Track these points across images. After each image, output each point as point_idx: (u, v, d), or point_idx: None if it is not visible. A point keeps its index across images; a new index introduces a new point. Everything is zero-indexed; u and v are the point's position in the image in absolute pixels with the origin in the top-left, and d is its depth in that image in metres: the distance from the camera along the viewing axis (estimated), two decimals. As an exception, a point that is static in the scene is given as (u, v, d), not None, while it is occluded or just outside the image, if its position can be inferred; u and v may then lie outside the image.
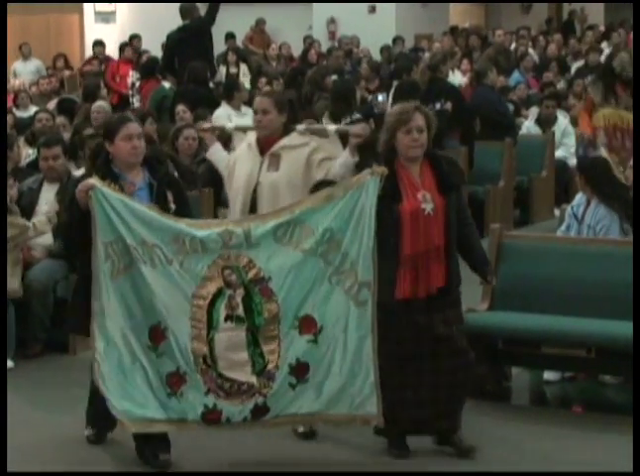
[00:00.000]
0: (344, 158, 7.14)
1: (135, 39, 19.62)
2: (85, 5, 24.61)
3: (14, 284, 8.50)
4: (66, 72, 17.54)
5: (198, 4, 15.45)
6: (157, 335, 6.13)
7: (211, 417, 6.13)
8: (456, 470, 6.36)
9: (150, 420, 6.13)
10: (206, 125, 8.19)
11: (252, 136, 7.41)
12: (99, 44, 20.41)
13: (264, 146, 7.27)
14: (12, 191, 8.77)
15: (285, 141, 7.25)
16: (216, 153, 7.71)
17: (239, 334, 6.16)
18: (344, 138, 7.34)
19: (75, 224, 6.17)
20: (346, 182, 6.36)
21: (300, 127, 7.44)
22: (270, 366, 6.16)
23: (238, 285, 6.14)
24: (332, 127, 7.74)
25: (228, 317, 6.16)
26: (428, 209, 6.31)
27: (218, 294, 6.14)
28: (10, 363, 8.38)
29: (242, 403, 6.12)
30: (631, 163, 9.78)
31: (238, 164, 7.42)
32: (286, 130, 7.33)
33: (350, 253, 6.15)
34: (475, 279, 6.76)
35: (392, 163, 6.41)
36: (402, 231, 6.31)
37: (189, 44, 14.70)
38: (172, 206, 6.48)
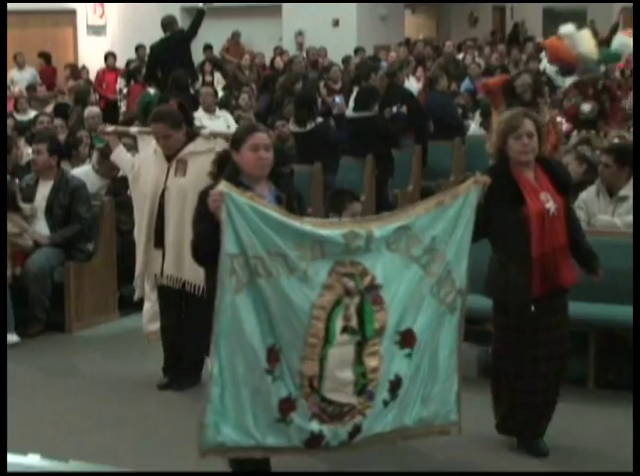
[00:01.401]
0: None
1: (140, 48, 19.55)
2: (78, 19, 24.51)
3: (7, 274, 8.53)
4: (71, 82, 17.48)
5: (177, 16, 15.46)
6: (272, 357, 5.19)
7: (314, 443, 5.31)
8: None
9: (250, 448, 5.24)
10: (109, 128, 7.91)
11: (155, 141, 7.19)
12: (112, 55, 20.37)
13: (169, 152, 7.10)
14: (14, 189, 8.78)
15: (191, 147, 7.05)
16: (120, 154, 7.51)
17: (349, 350, 5.26)
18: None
19: (209, 236, 5.16)
20: (453, 190, 5.64)
21: (205, 132, 7.33)
22: (371, 385, 5.32)
23: (355, 292, 5.25)
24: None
25: (344, 329, 5.26)
26: (552, 209, 5.87)
27: (337, 303, 5.22)
28: (15, 337, 8.45)
29: (343, 425, 5.31)
30: None
31: (143, 168, 7.20)
32: (189, 135, 7.14)
33: (451, 261, 5.50)
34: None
35: (507, 168, 5.95)
36: (529, 233, 5.81)
37: (171, 54, 14.66)
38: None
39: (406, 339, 5.38)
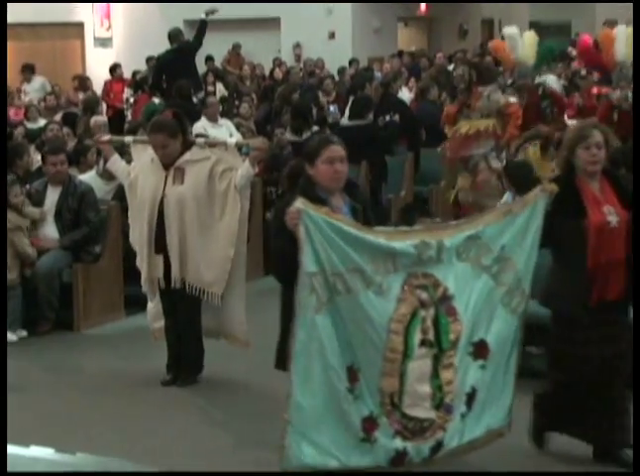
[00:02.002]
0: (245, 169, 6.96)
1: (150, 60, 19.56)
2: (86, 31, 24.52)
3: (13, 275, 8.55)
4: (81, 95, 17.47)
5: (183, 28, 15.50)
6: (352, 376, 4.94)
7: (398, 462, 5.07)
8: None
9: (333, 469, 4.99)
10: (105, 137, 7.77)
11: (152, 150, 7.10)
12: (118, 66, 20.39)
13: (166, 160, 7.02)
14: (18, 199, 8.71)
15: (188, 156, 6.98)
16: (115, 163, 7.39)
17: (427, 363, 5.04)
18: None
19: (288, 253, 4.89)
20: (524, 199, 5.42)
21: (200, 141, 7.26)
22: (448, 398, 5.10)
23: (430, 303, 5.03)
24: (232, 140, 7.47)
25: (422, 343, 5.03)
26: (614, 222, 5.56)
27: (413, 315, 4.99)
28: (23, 332, 8.56)
29: (425, 441, 5.09)
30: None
31: (141, 176, 7.11)
32: (185, 144, 7.07)
33: (520, 270, 5.28)
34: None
35: (572, 179, 5.68)
36: (587, 245, 5.53)
37: (176, 64, 14.67)
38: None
39: (480, 350, 5.20)
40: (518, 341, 5.38)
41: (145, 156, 7.16)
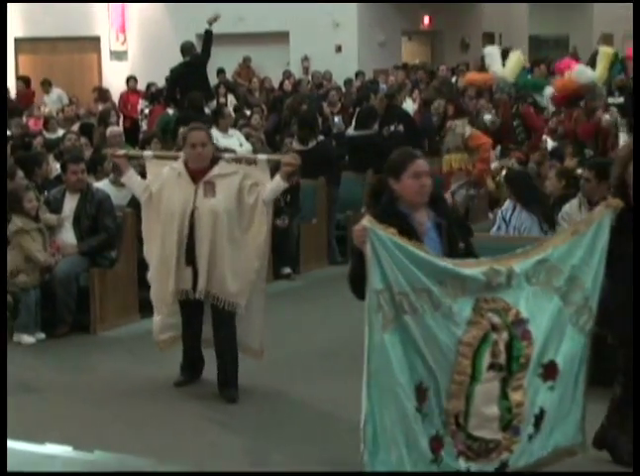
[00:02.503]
0: (276, 183, 6.88)
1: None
2: (102, 45, 24.58)
3: (26, 277, 8.55)
4: (100, 106, 17.51)
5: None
6: (421, 395, 4.73)
7: None
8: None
9: None
10: (120, 151, 7.56)
11: (178, 165, 6.94)
12: (133, 79, 20.46)
13: (195, 174, 6.85)
14: (32, 204, 8.71)
15: (217, 170, 6.85)
16: (131, 178, 7.17)
17: (494, 385, 4.82)
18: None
19: (360, 271, 4.71)
20: (588, 217, 5.26)
21: (228, 156, 7.13)
22: (516, 420, 4.88)
23: (502, 327, 4.80)
24: (263, 156, 7.23)
25: (491, 366, 4.81)
26: None
27: (484, 339, 4.77)
28: (42, 335, 8.57)
29: (490, 462, 4.88)
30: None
31: (166, 190, 6.90)
32: (213, 158, 6.97)
33: (588, 289, 5.06)
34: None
35: (627, 196, 5.41)
36: None
37: (189, 76, 14.72)
38: (462, 245, 5.10)
39: (549, 372, 4.98)
40: (586, 359, 5.14)
41: (165, 170, 7.00)
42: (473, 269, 4.79)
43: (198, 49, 15.41)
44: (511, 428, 4.87)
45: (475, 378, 4.76)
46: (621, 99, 12.86)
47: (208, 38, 14.96)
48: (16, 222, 8.54)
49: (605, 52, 12.69)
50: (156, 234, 7.00)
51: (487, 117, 11.75)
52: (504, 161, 11.03)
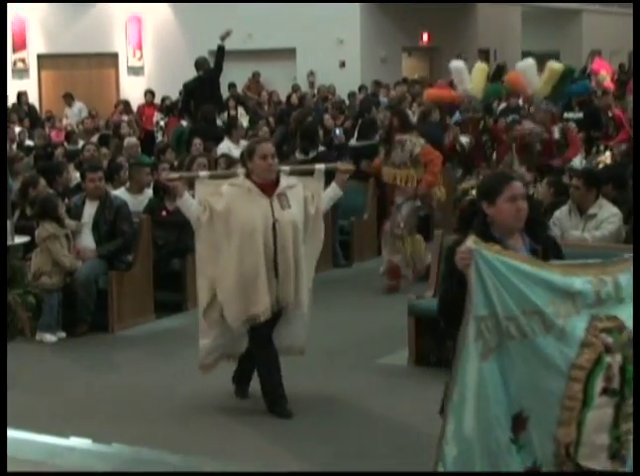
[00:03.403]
0: (333, 192, 6.67)
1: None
2: (120, 61, 24.62)
3: (58, 277, 8.56)
4: (125, 117, 17.54)
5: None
6: (519, 426, 4.19)
7: None
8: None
9: None
10: (174, 174, 7.07)
11: (241, 181, 6.48)
12: (150, 92, 20.53)
13: (265, 188, 6.40)
14: (62, 210, 8.79)
15: (284, 182, 6.47)
16: (187, 200, 6.56)
17: (607, 412, 4.21)
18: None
19: (457, 297, 4.20)
20: None
21: (285, 168, 6.69)
22: (624, 448, 4.28)
23: (616, 349, 4.20)
24: (321, 166, 6.80)
25: (604, 391, 4.19)
26: None
27: (597, 362, 4.16)
28: (62, 334, 8.55)
29: None
30: None
31: (237, 207, 6.37)
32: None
33: None
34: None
35: None
36: None
37: (202, 90, 14.76)
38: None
39: None
40: None
41: (225, 188, 6.48)
42: (580, 276, 4.21)
43: (211, 64, 15.47)
44: (619, 458, 4.28)
45: (586, 404, 4.18)
46: (580, 114, 12.41)
47: (220, 53, 15.00)
48: (47, 228, 8.55)
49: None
50: (227, 254, 6.43)
51: (464, 139, 11.26)
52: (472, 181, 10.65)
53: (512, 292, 4.10)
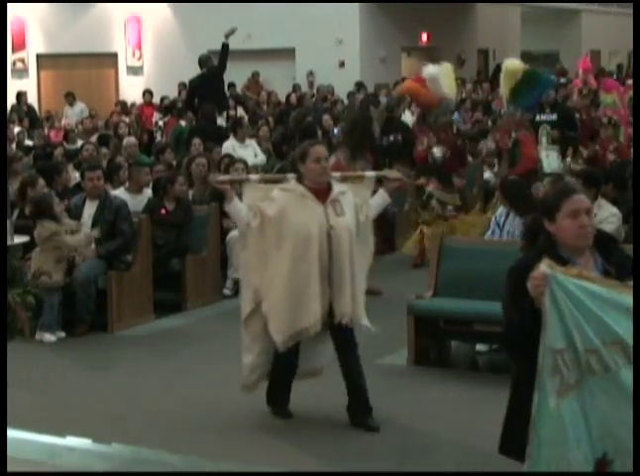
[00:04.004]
0: (382, 199, 6.40)
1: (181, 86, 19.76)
2: (119, 61, 24.63)
3: (58, 276, 8.54)
4: (126, 119, 17.54)
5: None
6: (601, 469, 3.79)
7: None
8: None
9: None
10: (223, 177, 6.57)
11: (293, 185, 6.10)
12: (148, 92, 20.57)
13: (318, 194, 6.05)
14: (59, 208, 8.78)
15: (336, 188, 6.12)
16: (237, 205, 6.13)
17: None
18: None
19: (527, 324, 3.82)
20: None
21: (335, 175, 6.33)
22: None
23: None
24: (371, 173, 6.59)
25: None
26: None
27: None
28: (62, 333, 8.53)
29: None
30: None
31: (290, 213, 5.99)
32: None
33: None
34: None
35: None
36: None
37: (206, 87, 14.80)
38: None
39: None
40: None
41: (276, 193, 6.11)
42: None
43: (215, 61, 15.50)
44: None
45: None
46: (554, 116, 12.09)
47: (225, 51, 15.04)
48: (48, 227, 8.54)
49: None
50: (277, 262, 6.05)
51: (438, 151, 10.64)
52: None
53: (591, 320, 3.73)
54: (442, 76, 10.96)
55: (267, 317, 6.07)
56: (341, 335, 6.14)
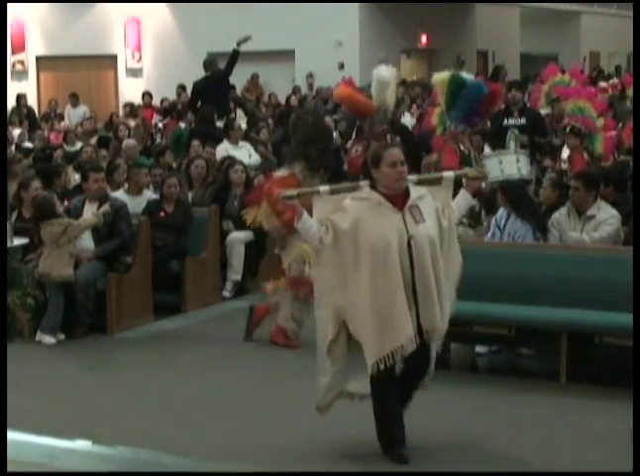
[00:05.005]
0: (465, 200, 5.91)
1: (180, 88, 19.71)
2: (119, 63, 24.64)
3: (69, 271, 8.54)
4: (132, 122, 17.52)
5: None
6: None
7: None
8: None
9: None
10: (292, 191, 5.84)
11: (366, 193, 5.65)
12: (148, 94, 20.59)
13: (395, 201, 5.59)
14: (61, 208, 8.82)
15: (415, 193, 5.65)
16: (308, 221, 5.61)
17: None
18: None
19: None
20: None
21: (411, 178, 5.80)
22: None
23: None
24: (450, 174, 5.96)
25: None
26: None
27: None
28: (62, 336, 8.53)
29: None
30: None
31: (365, 224, 5.51)
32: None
33: None
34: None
35: None
36: None
37: (209, 90, 14.82)
38: None
39: None
40: None
41: (348, 203, 5.64)
42: None
43: (220, 64, 15.55)
44: None
45: None
46: (522, 120, 11.79)
47: (233, 57, 15.14)
48: (59, 222, 8.54)
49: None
50: (356, 278, 5.55)
51: None
52: None
53: None
54: (392, 82, 10.57)
55: (359, 339, 5.58)
56: (421, 356, 5.64)
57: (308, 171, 7.98)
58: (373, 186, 5.67)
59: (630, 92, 15.19)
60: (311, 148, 7.98)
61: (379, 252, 5.47)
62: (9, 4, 19.47)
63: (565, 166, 11.13)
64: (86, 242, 8.90)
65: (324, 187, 5.80)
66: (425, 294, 5.52)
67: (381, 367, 5.49)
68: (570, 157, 11.04)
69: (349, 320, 5.59)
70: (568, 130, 11.07)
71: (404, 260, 5.47)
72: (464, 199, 5.91)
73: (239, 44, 15.17)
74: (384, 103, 10.29)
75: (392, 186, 5.60)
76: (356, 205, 5.59)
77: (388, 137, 10.34)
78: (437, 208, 5.66)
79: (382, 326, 5.48)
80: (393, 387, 5.65)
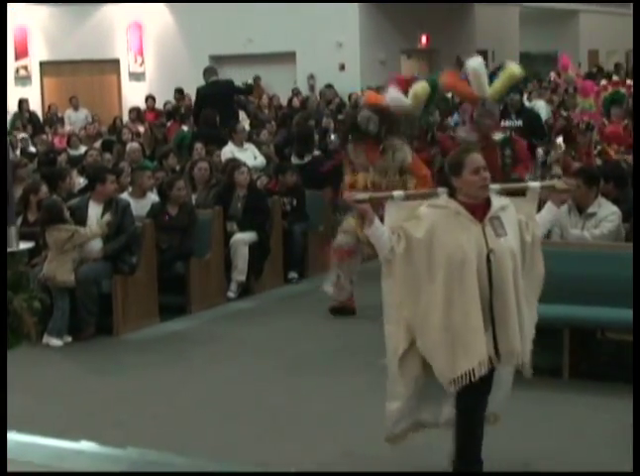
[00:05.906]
0: (551, 215, 5.44)
1: (178, 92, 19.79)
2: (121, 67, 24.67)
3: (71, 277, 8.56)
4: (140, 128, 17.53)
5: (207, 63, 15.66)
6: None
7: None
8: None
9: None
10: (362, 195, 5.44)
11: (444, 201, 5.18)
12: (151, 98, 20.63)
13: (474, 211, 5.12)
14: (68, 212, 8.83)
15: (497, 203, 5.17)
16: (379, 229, 5.17)
17: None
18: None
19: None
20: None
21: (494, 187, 5.27)
22: None
23: None
24: (535, 184, 5.50)
25: None
26: None
27: None
28: (68, 338, 8.55)
29: None
30: None
31: (441, 235, 5.07)
32: None
33: None
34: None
35: None
36: None
37: (212, 96, 14.88)
38: None
39: None
40: None
41: (424, 211, 5.19)
42: None
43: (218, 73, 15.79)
44: None
45: None
46: (519, 122, 11.52)
47: (245, 90, 16.43)
48: (66, 228, 8.56)
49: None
50: (429, 293, 5.12)
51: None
52: None
53: None
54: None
55: (428, 359, 5.16)
56: (498, 378, 5.26)
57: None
58: (451, 194, 5.21)
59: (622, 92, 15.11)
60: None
61: (456, 265, 5.01)
62: (11, 11, 19.51)
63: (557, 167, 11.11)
64: (93, 243, 8.90)
65: (398, 192, 5.38)
66: (503, 313, 5.04)
67: (452, 390, 5.10)
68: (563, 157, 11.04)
69: (418, 336, 5.16)
70: (583, 126, 11.05)
71: (482, 275, 5.01)
72: (550, 213, 5.43)
73: (250, 87, 16.45)
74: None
75: (475, 194, 5.14)
76: (432, 213, 5.14)
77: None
78: (520, 221, 5.20)
79: (455, 346, 5.02)
80: (483, 402, 5.24)
